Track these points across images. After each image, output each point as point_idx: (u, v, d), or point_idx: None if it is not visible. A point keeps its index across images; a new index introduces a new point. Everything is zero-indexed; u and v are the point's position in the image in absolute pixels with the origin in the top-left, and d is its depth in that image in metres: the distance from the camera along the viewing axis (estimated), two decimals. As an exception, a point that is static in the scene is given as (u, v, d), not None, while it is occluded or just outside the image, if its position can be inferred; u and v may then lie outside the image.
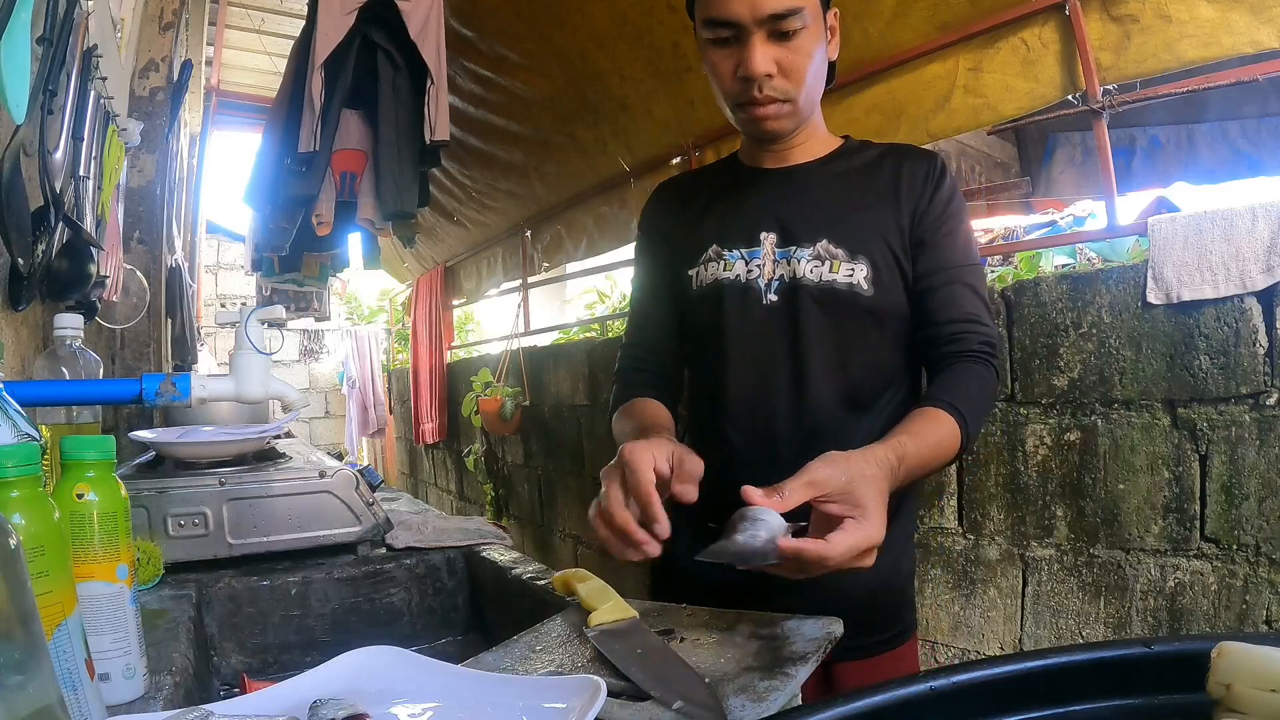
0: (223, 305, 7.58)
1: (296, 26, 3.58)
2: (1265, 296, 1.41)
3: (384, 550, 1.37)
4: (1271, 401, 1.41)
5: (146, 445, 1.46)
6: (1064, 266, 2.23)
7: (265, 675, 1.17)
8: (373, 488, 1.40)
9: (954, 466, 1.88)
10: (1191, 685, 0.42)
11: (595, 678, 0.61)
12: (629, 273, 2.52)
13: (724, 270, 1.02)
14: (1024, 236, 2.80)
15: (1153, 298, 1.53)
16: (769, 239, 1.01)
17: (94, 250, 1.46)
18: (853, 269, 0.96)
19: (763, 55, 0.91)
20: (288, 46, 3.34)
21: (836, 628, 0.75)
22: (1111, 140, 1.72)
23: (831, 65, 1.02)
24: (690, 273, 1.05)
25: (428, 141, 2.20)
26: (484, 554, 1.36)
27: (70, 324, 1.15)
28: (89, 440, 0.68)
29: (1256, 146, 3.79)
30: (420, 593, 1.36)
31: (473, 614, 1.38)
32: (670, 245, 1.10)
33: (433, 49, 2.18)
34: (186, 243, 4.07)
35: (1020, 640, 1.78)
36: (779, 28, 0.91)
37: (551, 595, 1.05)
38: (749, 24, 0.90)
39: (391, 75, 2.21)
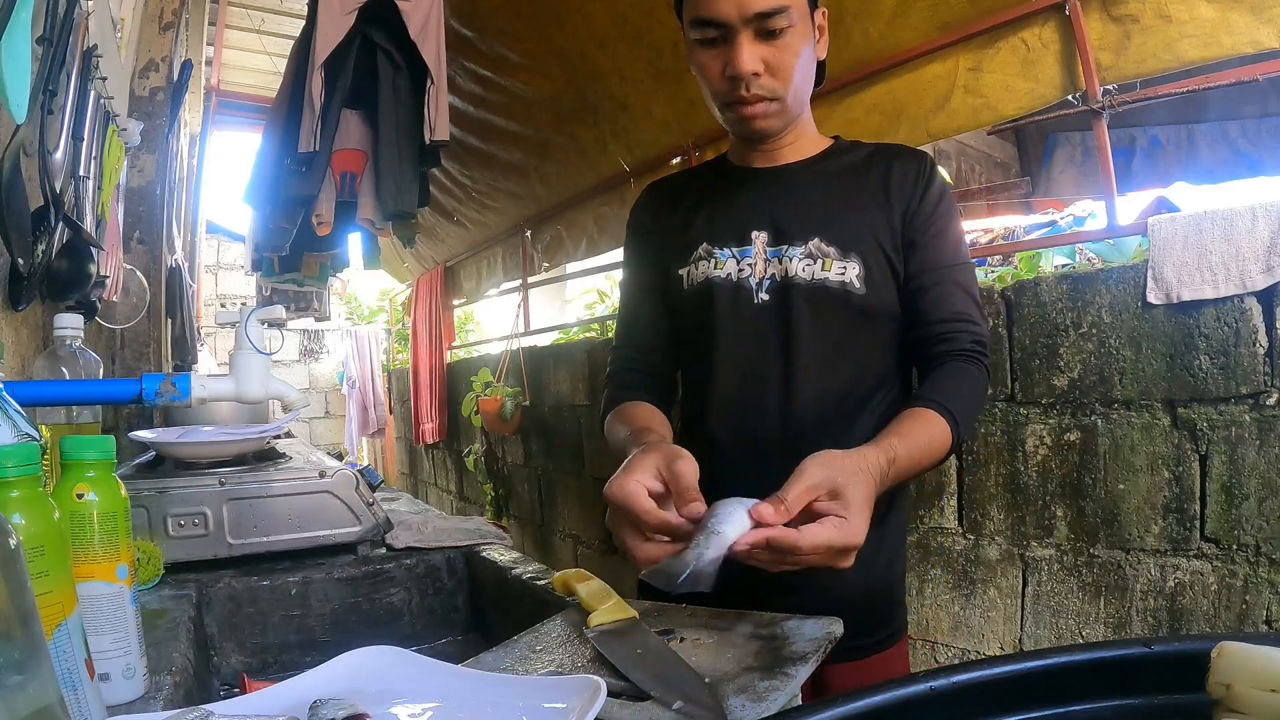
0: (223, 305, 7.58)
1: (296, 26, 3.58)
2: (1265, 296, 1.41)
3: (384, 550, 1.37)
4: (1271, 401, 1.41)
5: (146, 445, 1.46)
6: (1064, 266, 2.23)
7: (265, 675, 1.17)
8: (373, 488, 1.40)
9: (954, 466, 1.88)
10: (1191, 685, 0.42)
11: (595, 678, 0.61)
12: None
13: (715, 269, 1.01)
14: (1024, 236, 2.79)
15: (1153, 298, 1.53)
16: (760, 238, 1.01)
17: (94, 250, 1.46)
18: (845, 268, 0.96)
19: (750, 54, 0.91)
20: (288, 46, 3.34)
21: (837, 628, 0.75)
22: (1111, 140, 1.72)
23: (821, 64, 1.02)
24: (681, 272, 1.05)
25: (428, 141, 2.20)
26: (484, 554, 1.36)
27: (70, 324, 1.15)
28: (89, 440, 0.68)
29: (1256, 146, 3.79)
30: (420, 593, 1.36)
31: (473, 614, 1.38)
32: (660, 245, 1.10)
33: (433, 49, 2.18)
34: (186, 243, 4.07)
35: (1020, 640, 1.78)
36: (766, 26, 0.91)
37: (551, 595, 1.05)
38: (736, 23, 0.91)
39: (391, 75, 2.21)
